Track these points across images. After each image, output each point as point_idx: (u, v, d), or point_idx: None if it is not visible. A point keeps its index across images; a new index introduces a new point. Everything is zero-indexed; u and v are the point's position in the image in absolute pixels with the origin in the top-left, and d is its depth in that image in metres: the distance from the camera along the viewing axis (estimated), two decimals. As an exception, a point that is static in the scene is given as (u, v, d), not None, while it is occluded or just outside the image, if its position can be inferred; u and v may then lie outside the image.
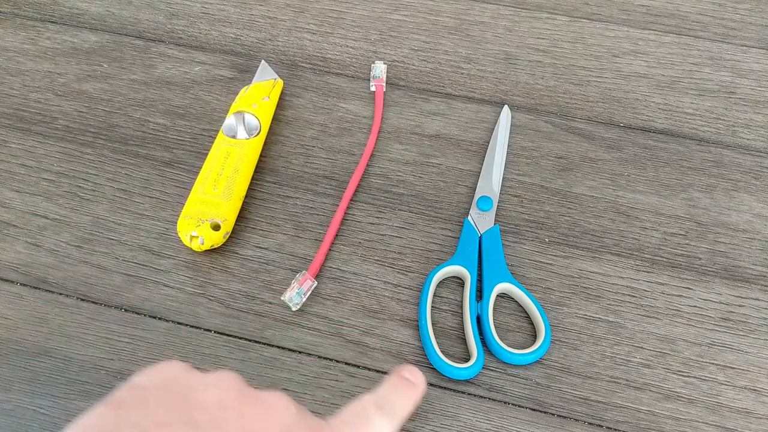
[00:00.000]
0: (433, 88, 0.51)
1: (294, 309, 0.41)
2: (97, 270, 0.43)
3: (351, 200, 0.45)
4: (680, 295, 0.42)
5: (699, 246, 0.44)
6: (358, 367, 0.40)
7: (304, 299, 0.41)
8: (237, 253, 0.43)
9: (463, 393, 0.39)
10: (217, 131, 0.48)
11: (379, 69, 0.50)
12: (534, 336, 0.40)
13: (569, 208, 0.45)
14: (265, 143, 0.48)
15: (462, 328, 0.41)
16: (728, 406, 0.39)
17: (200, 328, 0.41)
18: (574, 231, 0.44)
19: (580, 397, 0.39)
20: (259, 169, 0.47)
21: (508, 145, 0.48)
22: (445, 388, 0.39)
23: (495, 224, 0.44)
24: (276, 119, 0.49)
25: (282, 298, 0.41)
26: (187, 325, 0.41)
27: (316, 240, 0.44)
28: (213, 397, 0.26)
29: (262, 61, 0.51)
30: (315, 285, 0.42)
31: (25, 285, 0.42)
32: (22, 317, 0.41)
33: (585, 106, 0.50)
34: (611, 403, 0.39)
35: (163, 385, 0.27)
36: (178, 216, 0.44)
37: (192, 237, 0.42)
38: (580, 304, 0.42)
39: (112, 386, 0.39)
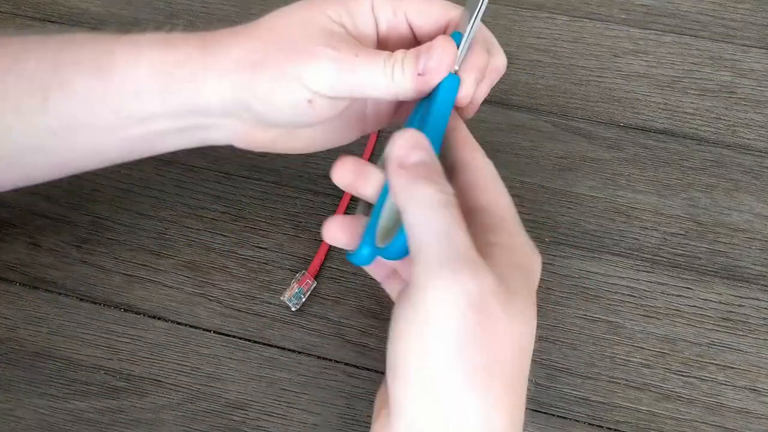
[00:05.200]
0: (432, 87, 0.51)
1: (293, 309, 0.41)
2: (97, 270, 0.43)
3: (351, 200, 0.45)
4: (680, 295, 0.42)
5: (699, 246, 0.43)
6: (358, 367, 0.40)
7: (304, 299, 0.41)
8: (236, 253, 0.43)
9: (463, 393, 0.39)
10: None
11: None
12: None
13: (569, 208, 0.45)
14: (265, 143, 0.48)
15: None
16: (728, 406, 0.38)
17: (199, 328, 0.41)
18: (574, 231, 0.44)
19: (579, 398, 0.39)
20: (259, 169, 0.47)
21: (508, 146, 0.48)
22: (444, 388, 0.39)
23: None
24: (276, 119, 0.49)
25: (281, 299, 0.41)
26: (186, 324, 0.41)
27: (315, 240, 0.44)
28: None
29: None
30: (314, 285, 0.42)
31: (24, 285, 0.42)
32: (21, 317, 0.41)
33: (585, 106, 0.50)
34: (611, 403, 0.39)
35: None
36: (177, 215, 0.44)
37: None
38: (580, 304, 0.41)
39: (112, 386, 0.39)
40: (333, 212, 0.45)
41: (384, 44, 0.35)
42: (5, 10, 0.56)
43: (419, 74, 0.33)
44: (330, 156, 0.47)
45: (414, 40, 0.36)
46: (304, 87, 0.33)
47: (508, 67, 0.52)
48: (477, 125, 0.49)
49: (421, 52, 0.33)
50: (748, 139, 0.48)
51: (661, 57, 0.52)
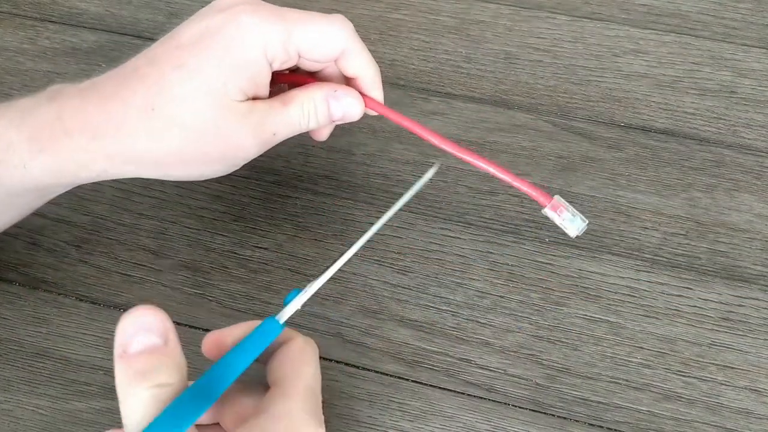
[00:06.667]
0: (433, 87, 0.51)
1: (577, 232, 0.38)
2: (96, 270, 0.43)
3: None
4: (680, 295, 0.42)
5: (699, 246, 0.43)
6: (358, 367, 0.40)
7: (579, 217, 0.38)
8: (236, 253, 0.43)
9: (463, 394, 0.39)
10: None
11: None
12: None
13: (569, 208, 0.45)
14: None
15: None
16: (728, 406, 0.38)
17: (199, 329, 0.41)
18: (574, 231, 0.44)
19: (579, 398, 0.39)
20: (259, 169, 0.47)
21: (508, 145, 0.48)
22: (444, 389, 0.39)
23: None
24: (275, 119, 0.49)
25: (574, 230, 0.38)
26: (185, 325, 0.41)
27: (315, 240, 0.44)
28: None
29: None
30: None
31: (23, 285, 0.42)
32: (20, 317, 0.41)
33: (585, 106, 0.50)
34: (611, 403, 0.39)
35: None
36: (177, 215, 0.44)
37: None
38: (580, 304, 0.41)
39: (111, 386, 0.39)
40: (333, 212, 0.45)
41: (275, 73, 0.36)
42: (5, 9, 0.56)
43: (333, 122, 0.38)
44: (331, 156, 0.47)
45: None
46: (223, 171, 0.36)
47: (508, 66, 0.52)
48: (478, 125, 0.49)
49: (329, 101, 0.36)
50: (749, 139, 0.48)
51: (662, 57, 0.52)
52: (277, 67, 0.35)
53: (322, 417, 0.32)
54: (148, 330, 0.27)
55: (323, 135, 0.40)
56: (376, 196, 0.45)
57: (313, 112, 0.36)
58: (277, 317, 0.32)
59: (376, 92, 0.38)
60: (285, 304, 0.33)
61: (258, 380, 0.33)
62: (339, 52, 0.36)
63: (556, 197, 0.38)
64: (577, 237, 0.38)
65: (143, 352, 0.26)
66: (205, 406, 0.28)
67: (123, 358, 0.26)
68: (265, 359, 0.33)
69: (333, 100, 0.36)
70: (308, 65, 0.37)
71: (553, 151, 0.47)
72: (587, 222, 0.38)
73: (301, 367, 0.32)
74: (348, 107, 0.37)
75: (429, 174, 0.36)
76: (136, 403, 0.26)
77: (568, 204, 0.38)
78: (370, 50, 0.52)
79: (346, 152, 0.48)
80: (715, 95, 0.50)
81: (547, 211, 0.38)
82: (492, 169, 0.38)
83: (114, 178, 0.36)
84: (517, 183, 0.38)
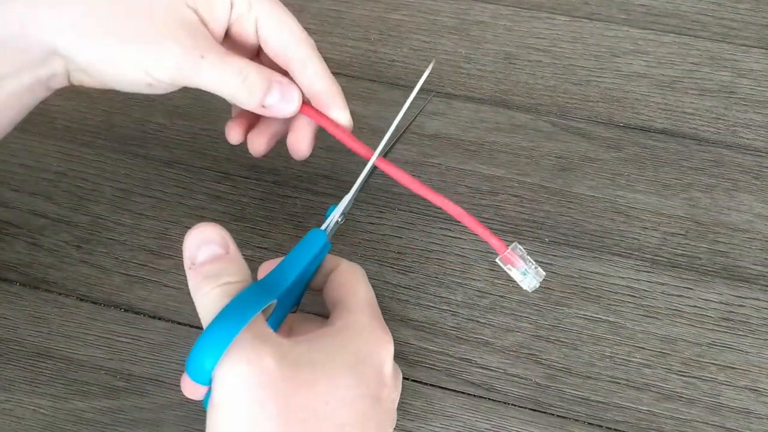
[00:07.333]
0: (432, 87, 0.51)
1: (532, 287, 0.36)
2: (97, 270, 0.43)
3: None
4: (680, 295, 0.42)
5: (699, 246, 0.44)
6: (358, 367, 0.40)
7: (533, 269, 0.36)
8: (237, 253, 0.43)
9: (463, 393, 0.39)
10: (217, 131, 0.48)
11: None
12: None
13: (569, 208, 0.45)
14: (265, 143, 0.48)
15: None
16: (728, 406, 0.39)
17: (200, 328, 0.41)
18: (574, 231, 0.44)
19: (580, 397, 0.39)
20: (259, 169, 0.47)
21: (508, 146, 0.48)
22: (444, 388, 0.39)
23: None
24: (276, 119, 0.49)
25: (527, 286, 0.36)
26: (186, 324, 0.41)
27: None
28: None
29: (262, 61, 0.51)
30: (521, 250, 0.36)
31: (24, 285, 0.42)
32: (21, 317, 0.41)
33: (585, 106, 0.50)
34: (611, 403, 0.39)
35: None
36: (177, 215, 0.44)
37: None
38: (580, 304, 0.42)
39: (112, 386, 0.39)
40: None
41: (227, 32, 0.37)
42: (5, 10, 0.55)
43: (262, 106, 0.36)
44: (330, 156, 0.47)
45: (256, 44, 0.37)
46: (145, 73, 0.33)
47: (508, 67, 0.52)
48: (478, 125, 0.49)
49: (273, 83, 0.36)
50: (748, 139, 0.48)
51: (661, 57, 0.52)
52: (234, 17, 0.35)
53: (387, 328, 0.34)
54: (210, 242, 0.31)
55: (302, 150, 0.39)
56: (377, 196, 0.46)
57: (252, 80, 0.35)
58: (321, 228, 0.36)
59: (338, 111, 0.38)
60: (326, 217, 0.37)
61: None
62: (290, 36, 0.37)
63: (513, 246, 0.35)
64: (532, 291, 0.36)
65: (207, 261, 0.30)
66: (269, 298, 0.31)
67: (192, 269, 0.30)
68: (318, 288, 0.36)
69: (276, 83, 0.36)
70: (266, 44, 0.37)
71: (553, 151, 0.47)
72: (543, 276, 0.35)
73: (355, 285, 0.34)
74: (286, 97, 0.36)
75: (428, 70, 0.39)
76: (208, 300, 0.29)
77: (526, 255, 0.35)
78: (369, 50, 0.53)
79: (346, 152, 0.47)
80: (714, 95, 0.50)
81: (499, 262, 0.36)
82: (449, 208, 0.36)
83: (30, 52, 0.33)
84: (478, 228, 0.35)
